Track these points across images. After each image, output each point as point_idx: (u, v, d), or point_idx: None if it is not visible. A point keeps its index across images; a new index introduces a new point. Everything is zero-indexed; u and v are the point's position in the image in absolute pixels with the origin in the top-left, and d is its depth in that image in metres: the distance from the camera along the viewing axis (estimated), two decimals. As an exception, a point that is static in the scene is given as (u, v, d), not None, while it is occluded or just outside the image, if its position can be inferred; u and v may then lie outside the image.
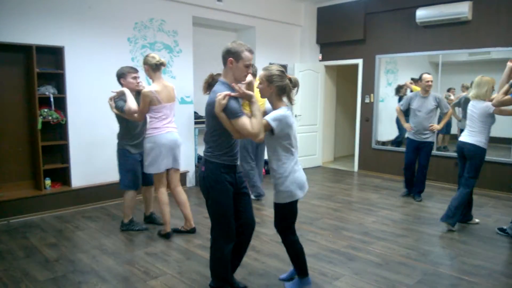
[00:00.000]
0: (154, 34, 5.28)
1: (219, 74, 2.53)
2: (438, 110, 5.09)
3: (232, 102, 2.29)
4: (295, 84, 2.47)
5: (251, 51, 2.40)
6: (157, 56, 3.57)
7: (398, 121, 6.89)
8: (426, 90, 4.97)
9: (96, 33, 4.72)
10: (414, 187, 5.26)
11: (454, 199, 4.00)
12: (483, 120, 3.90)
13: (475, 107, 3.97)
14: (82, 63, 4.64)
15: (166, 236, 3.78)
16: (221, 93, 2.29)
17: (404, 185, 5.45)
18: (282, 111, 2.41)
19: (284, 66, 7.13)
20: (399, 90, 6.84)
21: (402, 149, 6.70)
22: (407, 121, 5.25)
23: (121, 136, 3.84)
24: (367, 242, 3.73)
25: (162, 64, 3.56)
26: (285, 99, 2.53)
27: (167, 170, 3.75)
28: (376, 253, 3.46)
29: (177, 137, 3.72)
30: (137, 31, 5.10)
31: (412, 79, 6.83)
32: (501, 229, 3.97)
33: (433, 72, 5.97)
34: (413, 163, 5.21)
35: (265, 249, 3.54)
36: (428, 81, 4.93)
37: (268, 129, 2.39)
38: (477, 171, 3.98)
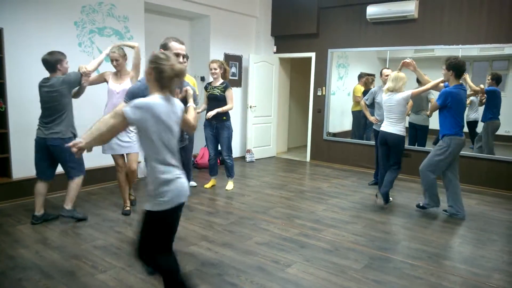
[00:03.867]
0: (103, 18, 5.03)
1: None
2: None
3: None
4: (177, 73, 1.96)
5: (179, 41, 2.46)
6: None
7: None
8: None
9: (39, 15, 4.42)
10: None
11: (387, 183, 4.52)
12: (401, 110, 4.39)
13: (392, 99, 4.41)
14: (24, 46, 4.32)
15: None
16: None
17: (374, 174, 5.76)
18: (151, 98, 1.93)
19: (239, 57, 7.12)
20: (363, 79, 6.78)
21: (352, 140, 6.97)
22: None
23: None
24: (318, 229, 3.85)
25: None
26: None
27: None
28: (326, 240, 3.58)
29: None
30: (85, 15, 4.84)
31: (362, 73, 7.08)
32: (418, 206, 4.51)
33: (381, 67, 6.21)
34: None
35: (218, 239, 3.54)
36: (387, 75, 5.20)
37: (123, 118, 1.88)
38: (400, 157, 4.52)
